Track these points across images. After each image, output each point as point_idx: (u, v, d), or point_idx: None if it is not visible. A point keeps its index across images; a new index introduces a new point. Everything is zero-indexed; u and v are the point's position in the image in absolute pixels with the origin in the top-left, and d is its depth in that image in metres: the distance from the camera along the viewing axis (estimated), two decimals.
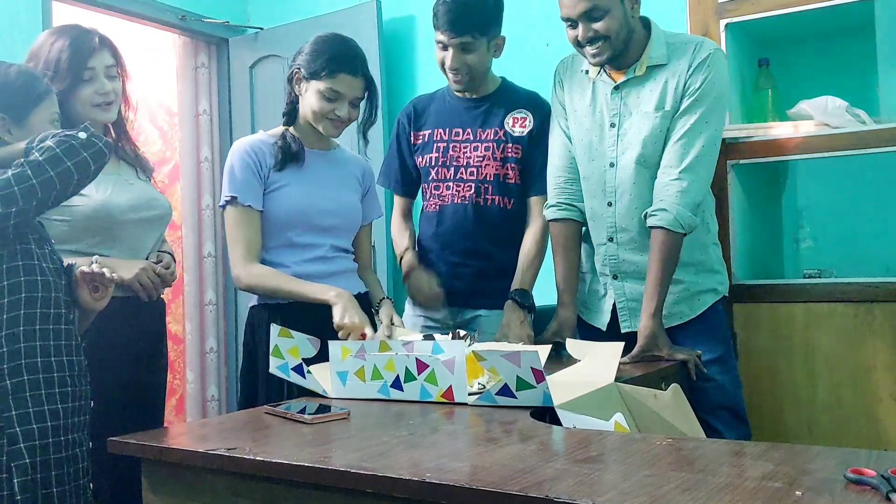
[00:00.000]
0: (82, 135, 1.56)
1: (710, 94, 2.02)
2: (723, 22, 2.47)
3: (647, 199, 2.07)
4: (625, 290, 2.16)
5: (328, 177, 2.12)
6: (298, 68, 2.05)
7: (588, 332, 2.22)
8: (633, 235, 2.12)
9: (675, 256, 2.01)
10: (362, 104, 2.10)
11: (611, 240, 2.15)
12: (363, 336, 1.84)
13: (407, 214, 2.48)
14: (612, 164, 2.12)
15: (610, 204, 2.13)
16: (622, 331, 2.16)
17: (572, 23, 2.05)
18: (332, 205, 2.09)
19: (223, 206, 2.05)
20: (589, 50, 2.06)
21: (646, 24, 2.11)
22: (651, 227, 2.02)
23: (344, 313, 1.88)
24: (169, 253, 2.13)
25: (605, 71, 2.14)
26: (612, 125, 2.12)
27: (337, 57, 2.01)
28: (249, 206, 2.01)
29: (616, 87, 2.11)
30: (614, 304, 2.19)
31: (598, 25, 2.01)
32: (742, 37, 2.55)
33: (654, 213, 2.02)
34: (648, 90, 2.08)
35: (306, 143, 2.11)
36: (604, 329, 2.19)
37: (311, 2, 3.73)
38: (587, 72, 2.18)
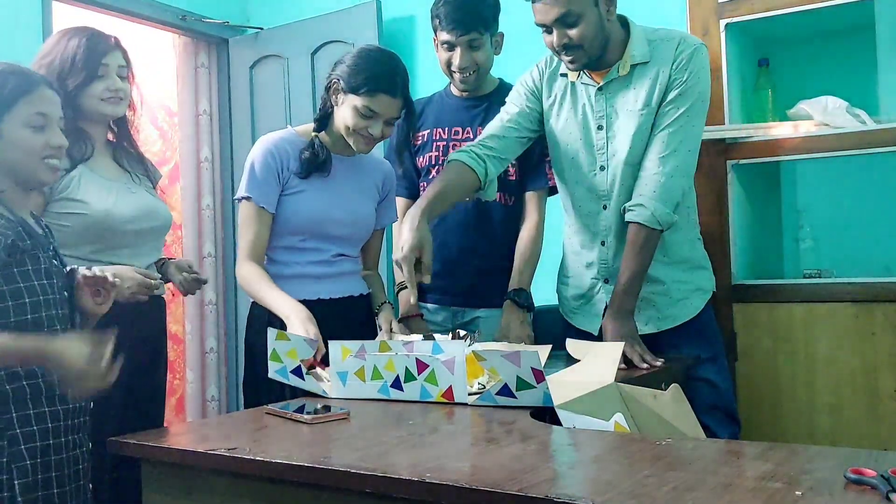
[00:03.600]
0: None
1: (695, 89, 2.00)
2: (723, 22, 2.48)
3: None
4: None
5: (348, 185, 2.09)
6: (338, 79, 2.00)
7: (580, 336, 2.17)
8: (622, 238, 2.06)
9: (650, 253, 1.99)
10: (397, 122, 2.06)
11: (602, 244, 2.13)
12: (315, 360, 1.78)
13: None
14: (602, 168, 2.09)
15: (605, 207, 2.11)
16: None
17: (547, 28, 2.01)
18: (347, 216, 2.07)
19: (239, 200, 2.05)
20: (565, 57, 2.03)
21: (623, 23, 2.07)
22: (628, 222, 2.00)
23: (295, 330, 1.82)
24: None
25: (585, 73, 2.10)
26: (600, 127, 2.09)
27: (378, 76, 1.96)
28: (263, 207, 2.01)
29: (600, 89, 2.08)
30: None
31: (572, 32, 1.96)
32: (742, 37, 2.55)
33: (631, 207, 2.00)
34: (634, 89, 2.04)
35: (333, 149, 2.08)
36: (595, 333, 2.13)
37: (311, 2, 3.73)
38: (566, 75, 2.14)
